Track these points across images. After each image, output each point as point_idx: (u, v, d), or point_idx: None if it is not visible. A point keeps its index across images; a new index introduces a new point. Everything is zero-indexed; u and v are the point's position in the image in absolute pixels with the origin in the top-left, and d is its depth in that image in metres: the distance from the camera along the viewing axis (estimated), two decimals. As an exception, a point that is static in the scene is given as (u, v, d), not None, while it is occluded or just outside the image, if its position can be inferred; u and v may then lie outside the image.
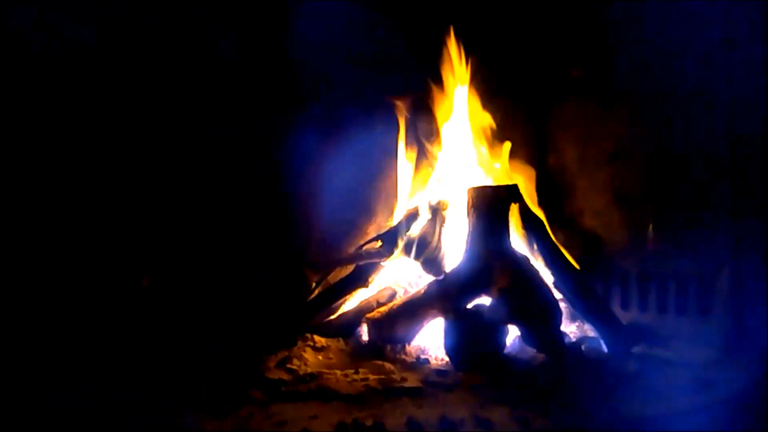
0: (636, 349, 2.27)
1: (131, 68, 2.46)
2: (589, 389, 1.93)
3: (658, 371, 2.08)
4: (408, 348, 2.28)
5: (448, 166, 2.71)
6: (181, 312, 2.40)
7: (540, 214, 2.50)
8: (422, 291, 2.35)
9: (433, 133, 2.74)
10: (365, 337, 2.34)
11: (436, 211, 2.51)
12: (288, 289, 2.56)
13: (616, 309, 2.53)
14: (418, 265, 2.47)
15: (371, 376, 2.04)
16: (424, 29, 2.70)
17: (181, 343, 2.25)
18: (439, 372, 2.11)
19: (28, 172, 2.35)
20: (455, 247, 2.45)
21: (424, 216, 2.55)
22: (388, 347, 2.26)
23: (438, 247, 2.44)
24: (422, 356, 2.25)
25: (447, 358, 2.20)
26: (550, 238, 2.47)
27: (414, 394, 1.92)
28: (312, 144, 2.59)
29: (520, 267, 2.29)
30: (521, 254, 2.35)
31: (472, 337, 2.17)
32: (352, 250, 2.63)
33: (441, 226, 2.48)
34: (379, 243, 2.54)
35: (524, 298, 2.22)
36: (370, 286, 2.55)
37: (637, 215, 2.58)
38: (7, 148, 2.32)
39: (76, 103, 2.40)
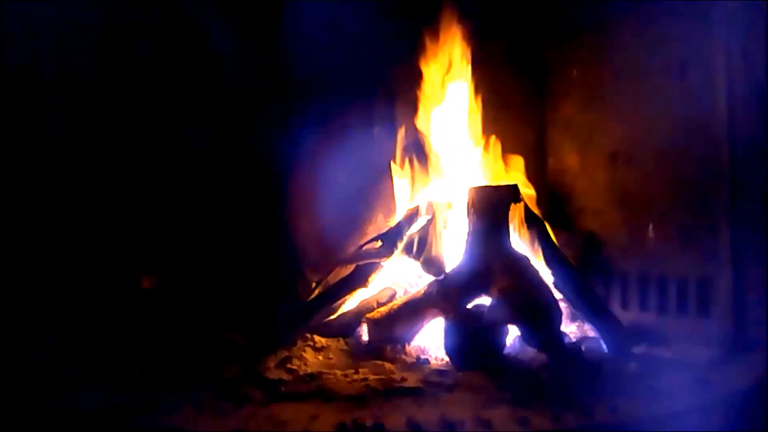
0: (636, 349, 2.27)
1: (130, 67, 2.46)
2: (589, 389, 1.93)
3: (658, 371, 2.08)
4: (408, 348, 2.28)
5: (448, 165, 2.71)
6: (181, 312, 2.40)
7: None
8: (422, 291, 2.35)
9: (432, 133, 2.74)
10: (365, 337, 2.34)
11: (436, 211, 2.51)
12: (288, 289, 2.56)
13: (616, 309, 2.53)
14: (418, 265, 2.46)
15: (371, 376, 2.04)
16: (423, 25, 2.70)
17: (180, 343, 2.25)
18: (439, 372, 2.10)
19: (29, 173, 2.35)
20: (455, 247, 2.45)
21: (424, 216, 2.55)
22: (388, 347, 2.26)
23: (438, 247, 2.43)
24: (422, 356, 2.25)
25: (447, 358, 2.20)
26: (550, 238, 2.47)
27: (414, 394, 1.91)
28: (312, 143, 2.58)
29: (520, 267, 2.29)
30: (521, 254, 2.35)
31: (472, 337, 2.17)
32: (352, 250, 2.63)
33: (441, 226, 2.48)
34: (379, 243, 2.54)
35: (524, 298, 2.22)
36: (370, 286, 2.54)
37: (637, 215, 2.58)
38: (7, 149, 2.32)
39: (77, 103, 2.41)
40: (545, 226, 2.48)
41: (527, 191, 2.60)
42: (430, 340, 2.31)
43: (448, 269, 2.39)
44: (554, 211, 2.75)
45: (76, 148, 2.40)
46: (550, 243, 2.45)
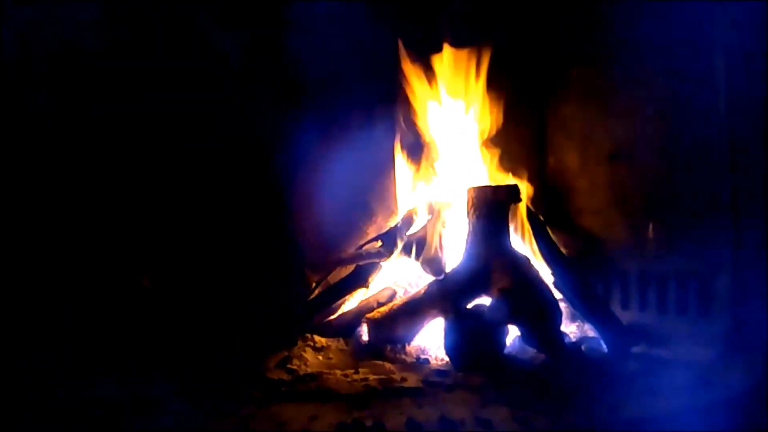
0: (636, 349, 2.27)
1: (130, 67, 2.46)
2: (589, 389, 1.93)
3: (658, 371, 2.08)
4: (408, 348, 2.28)
5: (448, 165, 2.71)
6: (181, 312, 2.40)
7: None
8: (422, 291, 2.36)
9: (432, 133, 2.74)
10: (365, 337, 2.34)
11: (436, 211, 2.51)
12: (288, 289, 2.56)
13: (616, 309, 2.53)
14: (418, 265, 2.46)
15: (371, 376, 2.04)
16: (423, 26, 2.70)
17: (181, 343, 2.25)
18: (439, 372, 2.11)
19: (29, 173, 2.35)
20: (455, 247, 2.45)
21: (424, 216, 2.55)
22: (388, 347, 2.26)
23: (438, 247, 2.43)
24: (422, 356, 2.25)
25: (447, 358, 2.20)
26: (550, 238, 2.47)
27: (414, 394, 1.91)
28: (312, 143, 2.59)
29: (520, 267, 2.29)
30: (521, 254, 2.35)
31: (472, 337, 2.17)
32: (352, 250, 2.63)
33: (441, 226, 2.48)
34: (379, 243, 2.54)
35: (524, 298, 2.22)
36: (370, 286, 2.55)
37: (637, 215, 2.58)
38: (6, 149, 2.32)
39: (76, 103, 2.41)
40: (545, 226, 2.48)
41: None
42: (430, 340, 2.32)
43: (448, 269, 2.39)
44: (554, 211, 2.75)
45: (77, 148, 2.40)
46: (550, 243, 2.45)
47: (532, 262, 2.35)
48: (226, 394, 1.92)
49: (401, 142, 2.73)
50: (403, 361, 2.22)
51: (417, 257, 2.45)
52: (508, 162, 2.69)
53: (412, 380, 2.02)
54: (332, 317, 2.48)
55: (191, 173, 2.52)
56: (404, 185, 2.73)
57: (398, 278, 2.59)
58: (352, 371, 2.10)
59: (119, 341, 2.25)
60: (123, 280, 2.42)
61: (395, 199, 2.73)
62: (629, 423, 1.76)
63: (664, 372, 2.08)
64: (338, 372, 2.09)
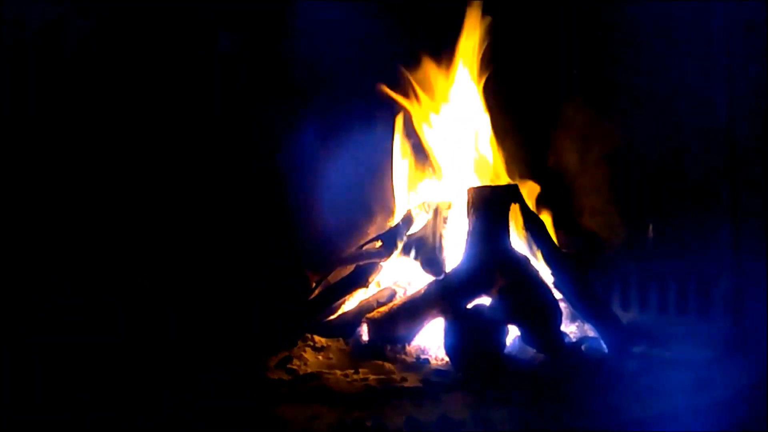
0: (636, 349, 2.27)
1: (130, 67, 2.46)
2: (589, 389, 1.93)
3: (658, 371, 2.08)
4: (408, 348, 2.28)
5: (448, 165, 2.71)
6: (181, 312, 2.40)
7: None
8: (422, 291, 2.35)
9: (432, 133, 2.74)
10: (365, 337, 2.34)
11: (436, 211, 2.50)
12: (288, 289, 2.56)
13: (616, 309, 2.53)
14: (418, 265, 2.46)
15: (371, 376, 2.04)
16: (425, 27, 2.70)
17: (181, 344, 2.25)
18: (439, 372, 2.11)
19: (28, 173, 2.35)
20: (455, 247, 2.45)
21: (424, 216, 2.55)
22: (388, 347, 2.26)
23: (438, 247, 2.43)
24: (422, 356, 2.25)
25: (447, 358, 2.20)
26: (550, 238, 2.46)
27: (414, 394, 1.91)
28: (311, 143, 2.59)
29: (520, 267, 2.29)
30: (521, 254, 2.35)
31: (472, 337, 2.16)
32: (352, 250, 2.63)
33: (441, 226, 2.48)
34: (379, 243, 2.54)
35: (524, 298, 2.22)
36: (370, 286, 2.54)
37: (637, 215, 2.58)
38: (6, 149, 2.32)
39: (75, 102, 2.41)
40: (545, 226, 2.48)
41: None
42: (430, 340, 2.31)
43: (448, 269, 2.39)
44: (554, 211, 2.75)
45: (77, 148, 2.40)
46: (550, 243, 2.45)
47: (532, 262, 2.34)
48: (226, 394, 1.92)
49: (401, 142, 2.73)
50: (403, 361, 2.22)
51: (417, 257, 2.45)
52: (508, 162, 2.69)
53: (412, 380, 2.02)
54: (332, 317, 2.48)
55: (191, 173, 2.53)
56: (404, 185, 2.73)
57: (398, 278, 2.59)
58: (352, 371, 2.09)
59: (119, 341, 2.25)
60: (123, 281, 2.42)
61: (395, 199, 2.73)
62: (629, 423, 1.76)
63: (664, 372, 2.08)
64: (338, 372, 2.09)
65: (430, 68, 2.71)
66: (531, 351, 2.21)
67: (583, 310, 2.37)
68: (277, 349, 2.21)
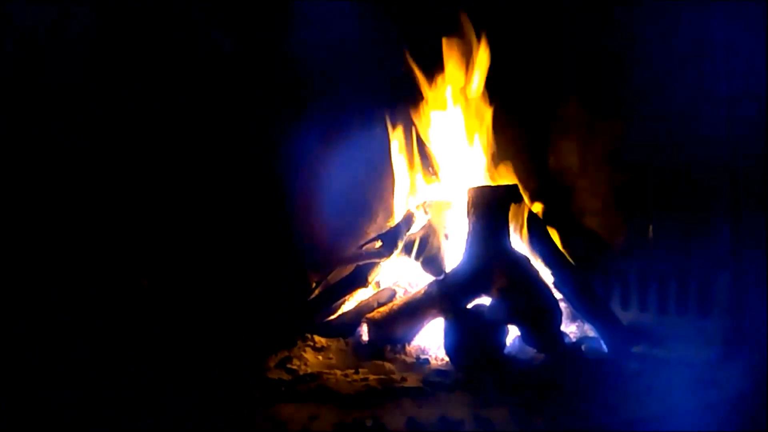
0: (636, 349, 2.27)
1: (130, 68, 2.46)
2: (589, 389, 1.93)
3: (658, 371, 2.08)
4: (408, 348, 2.28)
5: (448, 165, 2.71)
6: (181, 312, 2.40)
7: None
8: (422, 291, 2.36)
9: (432, 134, 2.74)
10: (365, 337, 2.34)
11: (436, 211, 2.50)
12: (288, 289, 2.56)
13: (616, 309, 2.53)
14: (418, 265, 2.46)
15: (371, 376, 2.04)
16: (425, 29, 2.70)
17: (181, 344, 2.25)
18: (439, 372, 2.11)
19: (28, 173, 2.35)
20: (455, 247, 2.45)
21: (424, 216, 2.55)
22: (388, 347, 2.26)
23: (438, 247, 2.43)
24: (422, 356, 2.25)
25: (447, 358, 2.20)
26: (550, 238, 2.46)
27: (414, 394, 1.91)
28: (312, 144, 2.59)
29: (520, 267, 2.29)
30: (521, 254, 2.35)
31: (472, 337, 2.17)
32: (352, 250, 2.63)
33: (441, 226, 2.48)
34: (379, 243, 2.54)
35: (524, 298, 2.22)
36: (370, 286, 2.55)
37: (637, 215, 2.58)
38: (6, 149, 2.32)
39: (76, 103, 2.41)
40: (545, 226, 2.48)
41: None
42: (430, 340, 2.32)
43: (448, 269, 2.39)
44: (554, 211, 2.75)
45: (77, 148, 2.40)
46: (550, 243, 2.45)
47: (532, 262, 2.34)
48: (226, 394, 1.92)
49: (401, 142, 2.73)
50: (403, 361, 2.22)
51: (417, 257, 2.45)
52: (508, 162, 2.69)
53: (412, 380, 2.02)
54: (332, 317, 2.48)
55: (191, 173, 2.53)
56: (404, 185, 2.73)
57: (398, 278, 2.59)
58: (352, 371, 2.10)
59: (119, 341, 2.25)
60: (123, 281, 2.42)
61: (395, 199, 2.73)
62: (629, 423, 1.76)
63: (664, 372, 2.08)
64: (338, 372, 2.09)
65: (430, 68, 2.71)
66: (531, 351, 2.21)
67: (583, 310, 2.37)
68: (277, 349, 2.22)
